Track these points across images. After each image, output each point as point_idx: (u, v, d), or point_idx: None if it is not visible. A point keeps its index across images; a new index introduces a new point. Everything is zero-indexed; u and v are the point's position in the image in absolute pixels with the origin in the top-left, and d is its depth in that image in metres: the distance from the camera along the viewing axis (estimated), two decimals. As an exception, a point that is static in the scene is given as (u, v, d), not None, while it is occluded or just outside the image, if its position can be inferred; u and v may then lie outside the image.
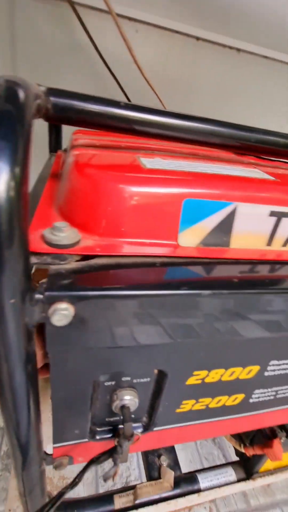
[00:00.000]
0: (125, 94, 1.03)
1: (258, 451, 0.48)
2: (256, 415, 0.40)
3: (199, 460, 0.98)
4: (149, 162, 0.30)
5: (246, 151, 0.37)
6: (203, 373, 0.31)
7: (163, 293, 0.22)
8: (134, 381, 0.30)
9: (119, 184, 0.25)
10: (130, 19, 1.01)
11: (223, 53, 1.17)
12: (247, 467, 0.55)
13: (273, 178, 0.33)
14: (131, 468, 0.90)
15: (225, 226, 0.29)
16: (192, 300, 0.23)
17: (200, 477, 0.52)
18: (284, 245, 0.32)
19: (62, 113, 0.28)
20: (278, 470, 0.55)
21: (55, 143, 0.65)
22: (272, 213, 0.30)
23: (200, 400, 0.34)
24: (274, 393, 0.38)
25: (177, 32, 1.07)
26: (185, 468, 0.56)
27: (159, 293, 0.22)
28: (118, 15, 1.01)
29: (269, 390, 0.37)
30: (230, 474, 0.54)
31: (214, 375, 0.32)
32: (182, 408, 0.34)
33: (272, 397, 0.38)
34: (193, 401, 0.34)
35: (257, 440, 0.50)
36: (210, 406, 0.35)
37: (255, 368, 0.33)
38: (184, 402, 0.33)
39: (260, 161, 0.46)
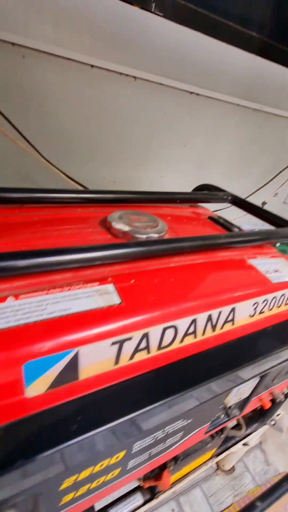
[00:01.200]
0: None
1: (152, 483, 0.58)
2: (136, 472, 0.48)
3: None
4: (-4, 315, 0.32)
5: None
6: (73, 477, 0.37)
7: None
8: (11, 503, 0.34)
9: None
10: (13, 44, 0.94)
11: (119, 80, 1.18)
12: (152, 488, 0.66)
13: (118, 301, 0.38)
14: None
15: (71, 367, 0.33)
16: (35, 464, 0.28)
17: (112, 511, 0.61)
18: (131, 358, 0.39)
19: None
20: (175, 482, 0.68)
21: None
22: (113, 343, 0.36)
23: (80, 489, 0.40)
24: (147, 455, 0.47)
25: (68, 59, 1.04)
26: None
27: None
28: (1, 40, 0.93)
29: (141, 456, 0.45)
30: (138, 499, 0.64)
31: (85, 473, 0.38)
32: (64, 500, 0.40)
33: (147, 457, 0.47)
34: (73, 492, 0.40)
35: (152, 473, 0.60)
36: (92, 487, 0.42)
37: (122, 453, 0.41)
38: (64, 497, 0.39)
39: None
